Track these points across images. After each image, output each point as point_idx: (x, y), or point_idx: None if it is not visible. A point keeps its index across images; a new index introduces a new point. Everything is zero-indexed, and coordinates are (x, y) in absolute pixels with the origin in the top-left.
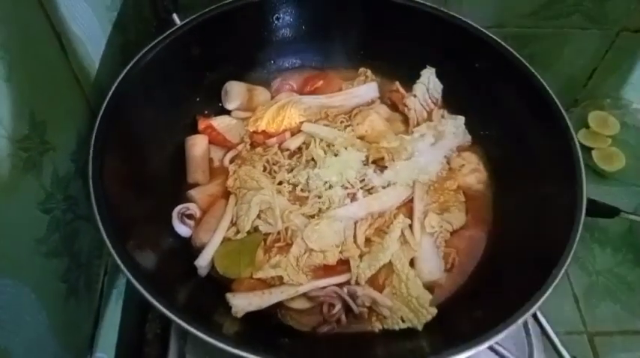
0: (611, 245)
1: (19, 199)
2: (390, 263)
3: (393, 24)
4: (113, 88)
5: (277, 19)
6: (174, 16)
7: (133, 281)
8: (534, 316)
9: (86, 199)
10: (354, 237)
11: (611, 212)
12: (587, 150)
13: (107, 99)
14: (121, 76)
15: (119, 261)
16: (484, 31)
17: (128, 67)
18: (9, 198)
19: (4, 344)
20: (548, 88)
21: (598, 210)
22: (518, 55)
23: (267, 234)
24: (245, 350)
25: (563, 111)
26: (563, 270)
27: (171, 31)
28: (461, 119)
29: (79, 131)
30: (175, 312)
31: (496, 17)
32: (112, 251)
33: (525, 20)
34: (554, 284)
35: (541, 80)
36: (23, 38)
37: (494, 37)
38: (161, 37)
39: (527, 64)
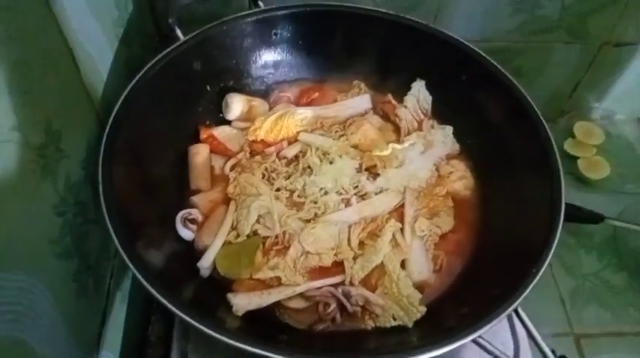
0: (597, 250)
1: (36, 202)
2: (382, 264)
3: (385, 39)
4: (120, 100)
5: (275, 34)
6: (178, 31)
7: (141, 278)
8: (518, 316)
9: (95, 204)
10: (348, 240)
11: (596, 218)
12: (573, 159)
13: (115, 110)
14: (128, 88)
15: (127, 260)
16: (470, 45)
17: (134, 81)
18: (29, 200)
19: (26, 339)
20: (528, 98)
21: (584, 216)
22: (501, 68)
23: (265, 238)
24: (246, 344)
25: (542, 120)
26: (542, 269)
27: (174, 46)
28: (449, 129)
29: (88, 140)
30: (180, 308)
31: (483, 32)
32: (121, 251)
33: (511, 35)
34: (534, 282)
35: (522, 91)
36: (42, 54)
37: (479, 51)
38: (165, 52)
39: (509, 76)
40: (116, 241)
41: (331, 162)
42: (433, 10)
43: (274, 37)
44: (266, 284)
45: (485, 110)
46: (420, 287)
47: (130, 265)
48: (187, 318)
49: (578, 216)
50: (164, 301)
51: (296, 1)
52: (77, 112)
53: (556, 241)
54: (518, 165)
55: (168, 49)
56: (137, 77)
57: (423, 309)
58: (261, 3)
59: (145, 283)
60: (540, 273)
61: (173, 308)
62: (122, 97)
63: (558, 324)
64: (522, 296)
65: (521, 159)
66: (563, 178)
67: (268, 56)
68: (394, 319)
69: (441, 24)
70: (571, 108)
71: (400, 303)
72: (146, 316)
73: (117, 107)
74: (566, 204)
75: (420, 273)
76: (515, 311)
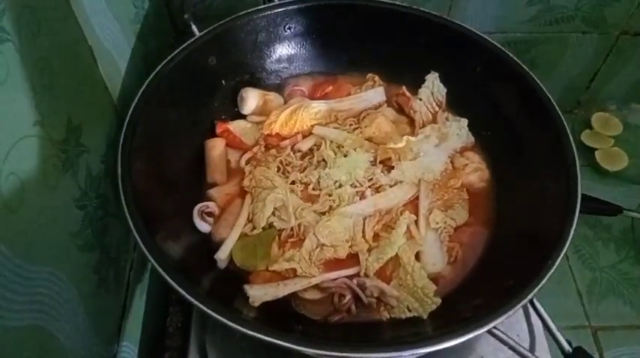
0: (614, 242)
1: (58, 196)
2: (397, 256)
3: (399, 32)
4: (138, 96)
5: (289, 28)
6: (193, 27)
7: (160, 270)
8: (534, 307)
9: (115, 198)
10: (363, 232)
11: (614, 210)
12: (590, 150)
13: (133, 105)
14: (145, 84)
15: (147, 253)
16: (484, 36)
17: (151, 76)
18: (51, 194)
19: (50, 329)
20: (543, 88)
21: (601, 208)
22: (515, 58)
23: (281, 230)
24: (263, 333)
25: (558, 110)
26: (557, 261)
27: (190, 41)
28: (464, 121)
29: (108, 135)
30: (199, 299)
31: (498, 23)
32: (141, 243)
33: (526, 26)
34: (550, 273)
35: (537, 81)
36: (62, 50)
37: (493, 42)
38: (181, 48)
39: (524, 66)
40: (136, 234)
41: (345, 155)
42: (447, 1)
43: (288, 31)
44: (282, 276)
45: (500, 101)
46: (434, 278)
47: (150, 257)
48: (205, 309)
49: (596, 207)
50: (183, 292)
51: None
52: (97, 108)
53: (572, 232)
54: (533, 157)
55: (184, 45)
56: (154, 73)
57: (438, 300)
58: None
59: (164, 275)
60: (556, 265)
61: (192, 299)
62: (139, 93)
63: (575, 317)
64: (537, 288)
65: (536, 150)
66: (579, 168)
67: (282, 50)
68: (409, 310)
69: (455, 16)
70: (588, 99)
71: (415, 295)
72: (164, 308)
73: (134, 102)
74: (584, 196)
75: (434, 265)
76: (531, 302)
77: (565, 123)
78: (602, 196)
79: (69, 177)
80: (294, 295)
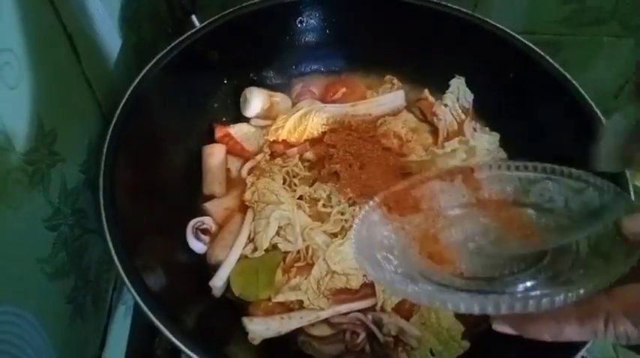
0: None
1: (22, 217)
2: None
3: (421, 28)
4: (128, 94)
5: (301, 22)
6: (193, 17)
7: (141, 303)
8: None
9: (96, 212)
10: None
11: None
12: None
13: (121, 105)
14: (137, 80)
15: (126, 280)
16: (520, 38)
17: (144, 72)
18: (11, 217)
19: None
20: (590, 101)
21: None
22: (559, 67)
23: (286, 253)
24: None
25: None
26: None
27: (189, 33)
28: (495, 136)
29: (90, 139)
30: (185, 340)
31: (526, 23)
32: (120, 269)
33: (558, 26)
34: None
35: (584, 94)
36: (32, 41)
37: (531, 46)
38: (179, 40)
39: (568, 76)
40: (115, 258)
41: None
42: None
43: (299, 24)
44: (286, 307)
45: (538, 114)
46: (462, 315)
47: (129, 285)
48: (193, 354)
49: None
50: (165, 330)
51: None
52: (77, 108)
53: None
54: None
55: (182, 37)
56: (146, 68)
57: (466, 345)
58: None
59: (145, 309)
60: None
61: (176, 341)
62: (130, 90)
63: (603, 348)
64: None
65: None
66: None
67: (292, 46)
68: (432, 354)
69: (481, 13)
70: (615, 109)
71: (439, 336)
72: (153, 328)
73: (123, 101)
74: None
75: None
76: None
77: None
78: None
79: (37, 193)
80: (299, 331)
